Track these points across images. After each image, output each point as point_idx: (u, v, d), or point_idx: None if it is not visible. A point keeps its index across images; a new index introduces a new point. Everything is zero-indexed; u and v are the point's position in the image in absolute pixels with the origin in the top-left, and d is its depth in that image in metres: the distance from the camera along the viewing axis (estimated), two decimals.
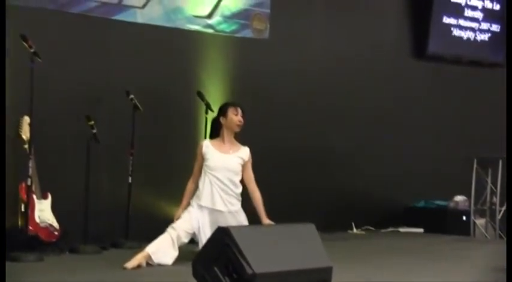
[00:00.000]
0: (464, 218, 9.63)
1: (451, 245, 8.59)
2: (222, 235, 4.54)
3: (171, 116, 8.32)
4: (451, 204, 9.91)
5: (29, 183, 6.75)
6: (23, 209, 6.85)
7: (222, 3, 8.77)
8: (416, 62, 10.68)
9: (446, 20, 10.80)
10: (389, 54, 10.39)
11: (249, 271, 4.38)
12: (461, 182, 9.66)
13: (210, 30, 8.71)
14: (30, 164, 6.77)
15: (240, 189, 6.72)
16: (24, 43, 6.70)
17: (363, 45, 10.04)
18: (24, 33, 6.78)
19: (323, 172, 9.52)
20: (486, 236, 9.38)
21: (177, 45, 8.45)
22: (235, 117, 6.71)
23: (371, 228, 9.83)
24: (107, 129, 7.64)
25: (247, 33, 9.02)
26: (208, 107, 8.03)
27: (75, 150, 7.46)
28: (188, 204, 6.68)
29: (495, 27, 11.28)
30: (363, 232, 9.64)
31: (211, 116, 7.94)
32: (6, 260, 6.41)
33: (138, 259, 6.19)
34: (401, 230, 9.92)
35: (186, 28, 8.51)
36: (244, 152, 6.76)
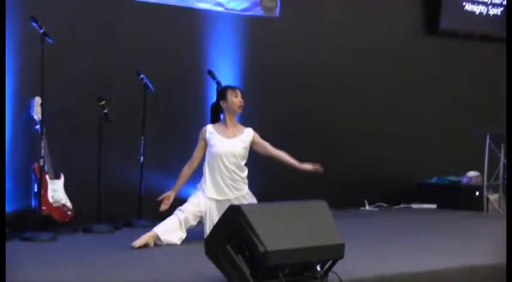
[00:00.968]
0: (477, 193, 9.60)
1: (464, 220, 8.57)
2: (234, 213, 4.54)
3: (181, 95, 8.32)
4: (464, 180, 9.89)
5: (41, 163, 6.78)
6: (36, 190, 6.88)
7: None
8: (428, 37, 10.61)
9: None
10: (401, 31, 10.32)
11: (262, 249, 4.38)
12: (474, 157, 9.63)
13: (220, 9, 8.68)
14: (43, 145, 6.80)
15: (246, 172, 6.69)
16: (35, 24, 6.71)
17: (374, 22, 9.99)
18: (34, 14, 6.78)
19: (336, 149, 9.51)
20: (499, 211, 9.36)
21: (187, 23, 8.43)
22: (235, 99, 6.67)
23: (383, 204, 9.83)
24: (118, 109, 7.66)
25: (258, 11, 8.99)
26: (218, 85, 8.02)
27: (87, 130, 7.49)
28: (180, 188, 6.67)
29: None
30: (376, 209, 9.64)
31: None
32: (20, 240, 6.47)
33: (145, 238, 6.20)
34: (414, 206, 9.91)
35: (196, 7, 8.48)
36: (248, 134, 6.73)
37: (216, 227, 4.75)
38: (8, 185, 7.15)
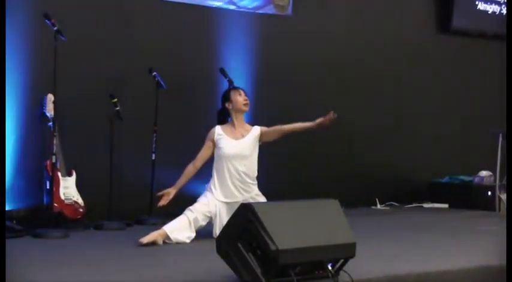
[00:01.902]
0: (489, 193, 9.57)
1: (476, 220, 8.54)
2: (245, 211, 4.54)
3: (193, 92, 8.33)
4: (476, 180, 9.85)
5: (53, 160, 6.80)
6: (48, 187, 6.90)
7: None
8: (441, 36, 10.58)
9: None
10: (413, 29, 10.30)
11: (273, 247, 4.38)
12: (486, 156, 9.59)
13: (232, 7, 8.68)
14: (55, 142, 6.82)
15: (255, 174, 6.69)
16: (48, 22, 6.72)
17: (387, 21, 9.97)
18: (48, 11, 6.80)
19: (347, 148, 9.50)
20: None
21: (199, 21, 8.43)
22: (239, 97, 6.67)
23: (395, 203, 9.81)
24: (130, 106, 7.68)
25: (270, 9, 8.98)
26: (230, 83, 8.03)
27: (99, 127, 7.50)
28: (182, 185, 6.67)
29: None
30: (387, 208, 9.62)
31: None
32: (32, 236, 6.49)
33: (154, 235, 6.20)
34: (426, 205, 9.88)
35: (208, 4, 8.49)
36: (255, 131, 6.71)
37: (228, 225, 4.75)
38: (20, 182, 7.19)
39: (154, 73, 7.70)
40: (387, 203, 9.75)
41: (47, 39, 6.79)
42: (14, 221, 6.82)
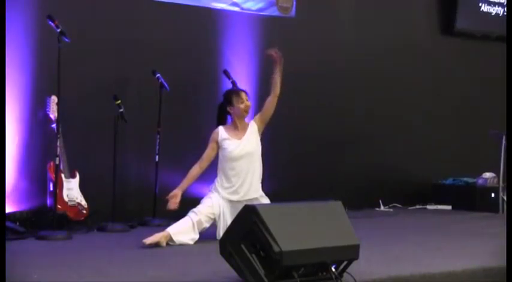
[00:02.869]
0: (492, 195, 9.57)
1: (480, 222, 8.53)
2: (249, 213, 4.54)
3: (196, 94, 8.33)
4: (480, 181, 9.84)
5: (57, 162, 6.80)
6: (51, 188, 6.90)
7: None
8: (444, 38, 10.58)
9: None
10: (417, 31, 10.30)
11: (276, 249, 4.38)
12: (490, 158, 9.59)
13: (236, 8, 8.68)
14: (58, 143, 6.82)
15: (260, 174, 6.69)
16: (52, 23, 6.73)
17: (390, 22, 9.96)
18: (51, 13, 6.81)
19: (351, 150, 9.50)
20: None
21: (203, 23, 8.44)
22: (241, 105, 6.66)
23: (398, 205, 9.80)
24: (134, 108, 7.68)
25: (273, 11, 8.98)
26: (234, 85, 8.04)
27: (103, 129, 7.50)
28: (187, 186, 6.67)
29: None
30: (391, 209, 9.61)
31: None
32: (35, 238, 6.49)
33: (157, 237, 6.20)
34: (429, 207, 9.88)
35: (212, 6, 8.49)
36: (252, 126, 6.73)
37: (231, 227, 4.76)
38: (24, 184, 7.19)
39: (158, 75, 7.71)
40: (391, 205, 9.74)
41: (50, 41, 6.79)
42: (17, 223, 6.82)
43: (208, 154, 6.72)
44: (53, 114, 7.02)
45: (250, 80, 8.63)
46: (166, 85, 7.69)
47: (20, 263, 5.26)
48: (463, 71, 10.66)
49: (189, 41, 8.31)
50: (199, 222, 6.42)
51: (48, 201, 6.97)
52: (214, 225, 6.55)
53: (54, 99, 6.99)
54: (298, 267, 4.55)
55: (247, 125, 6.77)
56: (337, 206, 4.95)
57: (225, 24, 8.61)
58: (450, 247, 6.50)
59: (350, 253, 4.78)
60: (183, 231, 6.35)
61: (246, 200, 6.45)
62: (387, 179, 9.72)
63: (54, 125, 6.96)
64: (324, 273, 4.70)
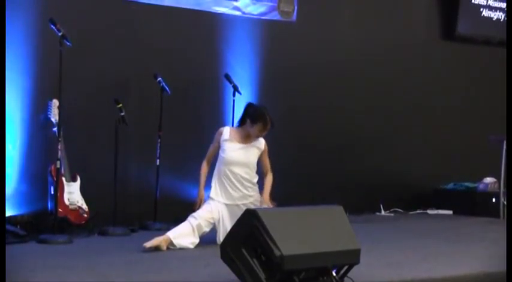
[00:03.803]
0: (493, 199, 9.57)
1: (480, 227, 8.53)
2: (250, 217, 4.55)
3: (198, 98, 8.33)
4: (481, 186, 9.85)
5: (58, 165, 6.80)
6: (52, 192, 6.90)
7: None
8: (446, 43, 10.58)
9: (476, 0, 10.69)
10: (418, 36, 10.30)
11: (277, 253, 4.39)
12: (491, 163, 9.58)
13: (238, 13, 8.69)
14: (59, 147, 6.81)
15: (256, 178, 6.70)
16: (53, 27, 6.73)
17: (391, 27, 9.97)
18: (53, 16, 6.81)
19: (352, 154, 9.49)
20: None
21: (204, 27, 8.44)
22: (258, 132, 6.62)
23: (399, 210, 9.80)
24: (135, 112, 7.68)
25: (275, 16, 8.99)
26: (235, 89, 8.05)
27: (104, 132, 7.50)
28: (204, 185, 6.72)
29: None
30: (391, 214, 9.61)
31: (238, 98, 7.97)
32: (36, 242, 6.49)
33: (158, 240, 6.20)
34: (430, 212, 9.88)
35: (213, 11, 8.50)
36: (260, 142, 6.72)
37: (232, 231, 4.76)
38: (25, 187, 7.19)
39: (159, 79, 7.71)
40: (392, 209, 9.74)
41: (52, 44, 6.80)
42: (18, 226, 6.81)
43: (212, 151, 6.77)
44: (54, 117, 7.02)
45: (252, 84, 8.64)
46: (167, 89, 7.70)
47: (21, 266, 5.26)
48: (464, 75, 10.66)
49: (191, 45, 8.31)
50: (199, 227, 6.42)
51: (49, 205, 6.97)
52: (214, 229, 6.54)
53: (55, 102, 7.00)
54: (299, 272, 4.55)
55: (256, 138, 6.74)
56: (338, 210, 4.96)
57: (226, 29, 8.61)
58: (451, 252, 6.50)
59: (351, 257, 4.78)
60: (183, 235, 6.36)
61: (244, 204, 6.47)
62: (388, 183, 9.72)
63: (55, 129, 6.96)
64: (325, 278, 4.70)
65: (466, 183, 10.06)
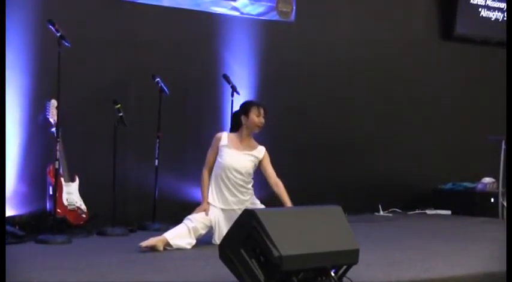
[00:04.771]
0: (492, 200, 9.57)
1: (479, 227, 8.54)
2: (248, 218, 4.54)
3: (197, 99, 8.33)
4: (479, 186, 9.85)
5: (56, 166, 6.79)
6: (51, 192, 6.90)
7: None
8: (444, 43, 10.59)
9: (474, 0, 10.69)
10: (417, 36, 10.31)
11: (276, 253, 4.38)
12: (489, 163, 9.59)
13: (236, 13, 8.69)
14: (58, 147, 6.81)
15: (251, 183, 6.66)
16: (52, 27, 6.73)
17: (390, 27, 9.97)
18: (51, 17, 6.81)
19: (351, 155, 9.50)
20: None
21: (203, 28, 8.44)
22: (257, 118, 6.58)
23: (398, 210, 9.80)
24: (133, 112, 7.68)
25: (273, 16, 8.99)
26: (234, 89, 8.05)
27: (102, 133, 7.50)
28: (207, 194, 6.61)
29: None
30: (390, 214, 9.61)
31: (237, 98, 7.96)
32: (35, 242, 6.49)
33: (154, 240, 6.19)
34: (429, 212, 9.88)
35: (212, 11, 8.50)
36: (259, 151, 6.65)
37: (231, 231, 4.75)
38: (23, 188, 7.19)
39: (158, 79, 7.71)
40: (390, 210, 9.74)
41: (50, 45, 6.79)
42: (17, 227, 6.81)
43: (210, 157, 6.65)
44: (52, 118, 7.02)
45: (250, 85, 8.64)
46: (166, 89, 7.70)
47: (20, 266, 5.26)
48: (462, 76, 10.67)
49: (189, 46, 8.31)
50: (195, 229, 6.41)
51: (48, 205, 6.96)
52: (210, 232, 6.53)
53: (54, 103, 6.99)
54: (298, 272, 4.55)
55: (253, 143, 6.69)
56: (336, 210, 4.95)
57: (225, 29, 8.62)
58: (450, 252, 6.50)
59: (349, 258, 4.78)
60: (180, 235, 6.35)
61: (240, 209, 6.44)
62: (387, 183, 9.72)
63: (53, 129, 6.96)
64: (324, 278, 4.69)
65: (465, 183, 10.06)
